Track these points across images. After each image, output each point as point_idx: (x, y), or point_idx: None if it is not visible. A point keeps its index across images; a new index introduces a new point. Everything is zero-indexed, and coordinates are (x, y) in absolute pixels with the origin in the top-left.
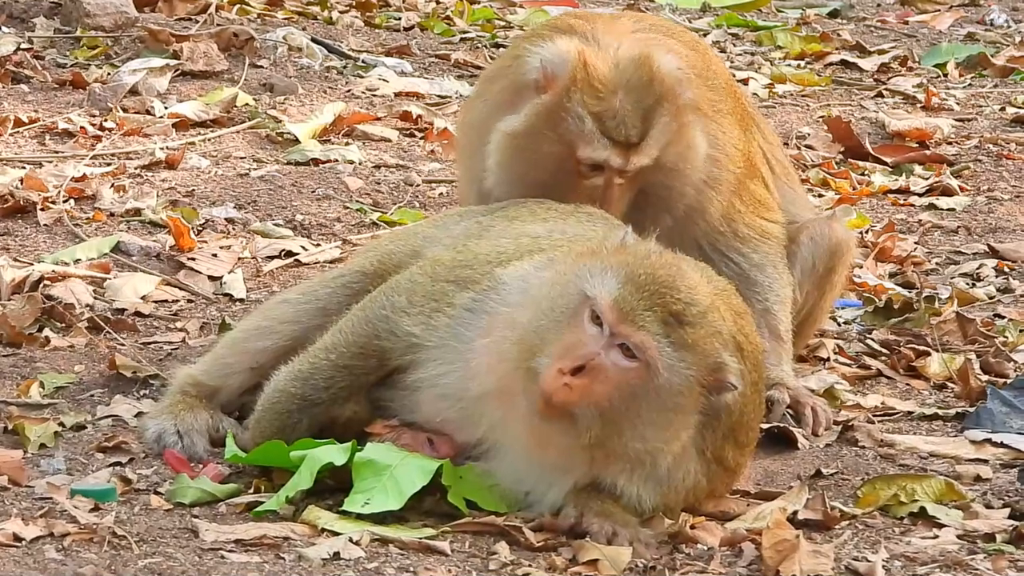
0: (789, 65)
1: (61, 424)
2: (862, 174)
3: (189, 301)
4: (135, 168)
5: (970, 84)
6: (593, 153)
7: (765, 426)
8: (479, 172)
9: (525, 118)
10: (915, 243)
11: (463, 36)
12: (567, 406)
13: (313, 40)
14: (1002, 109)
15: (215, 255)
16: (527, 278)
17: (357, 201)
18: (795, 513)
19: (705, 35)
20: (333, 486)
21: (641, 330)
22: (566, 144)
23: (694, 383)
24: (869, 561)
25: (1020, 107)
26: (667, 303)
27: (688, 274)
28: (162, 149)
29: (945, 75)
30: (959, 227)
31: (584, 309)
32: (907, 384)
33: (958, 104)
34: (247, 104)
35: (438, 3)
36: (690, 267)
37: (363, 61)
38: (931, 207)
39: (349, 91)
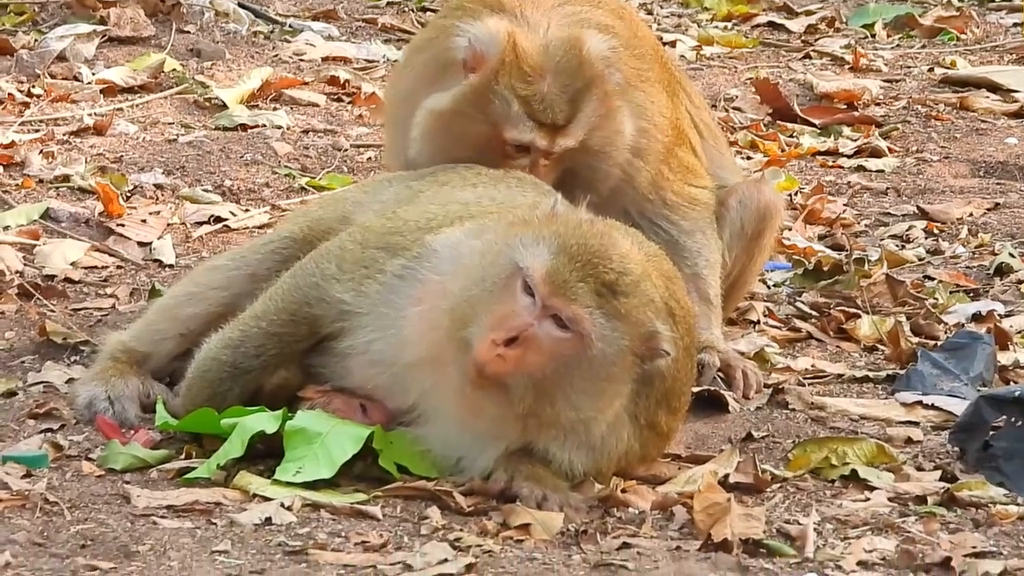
0: (716, 27)
1: None
2: (790, 136)
3: (119, 267)
4: (63, 134)
5: (898, 45)
6: (519, 135)
7: (696, 390)
8: (405, 143)
9: (452, 98)
10: (844, 205)
11: (389, 0)
12: (500, 376)
13: (240, 5)
14: (930, 70)
15: (144, 221)
16: (458, 246)
17: (285, 166)
18: (726, 476)
19: None
20: (264, 451)
21: (574, 303)
22: (492, 125)
23: (627, 352)
24: (800, 524)
25: (948, 68)
26: (599, 273)
27: (620, 242)
28: (90, 115)
29: (873, 36)
30: (888, 189)
31: (516, 280)
32: (837, 347)
33: (886, 65)
34: (174, 70)
35: None
36: (621, 235)
37: (290, 26)
38: (860, 169)
39: (276, 56)
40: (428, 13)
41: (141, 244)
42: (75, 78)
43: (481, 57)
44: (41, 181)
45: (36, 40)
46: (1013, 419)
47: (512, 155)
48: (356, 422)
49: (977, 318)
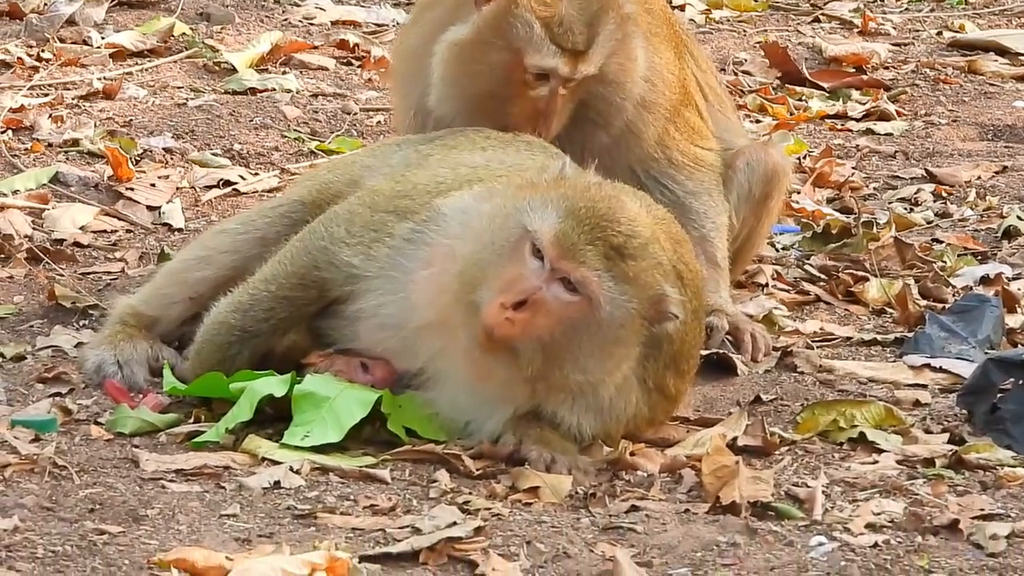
0: None
1: (1, 355)
2: (799, 100)
3: (128, 231)
4: (73, 98)
5: (907, 8)
6: (541, 60)
7: (704, 353)
8: (416, 99)
9: (472, 27)
10: (853, 168)
11: None
12: (509, 340)
13: None
14: (939, 33)
15: (153, 185)
16: (467, 210)
17: (295, 130)
18: (735, 439)
19: None
20: (273, 415)
21: (582, 265)
22: (513, 52)
23: (636, 315)
24: (809, 487)
25: (957, 31)
26: (608, 236)
27: (628, 205)
28: (99, 79)
29: (882, 0)
30: (896, 152)
31: (525, 243)
32: (846, 309)
33: (895, 29)
34: (184, 34)
35: None
36: (629, 198)
37: None
38: (868, 132)
39: (286, 20)
40: None
41: (150, 208)
42: (84, 42)
43: None
44: (50, 145)
45: (46, 4)
46: (1021, 382)
47: (532, 85)
48: (359, 382)
49: (985, 281)
